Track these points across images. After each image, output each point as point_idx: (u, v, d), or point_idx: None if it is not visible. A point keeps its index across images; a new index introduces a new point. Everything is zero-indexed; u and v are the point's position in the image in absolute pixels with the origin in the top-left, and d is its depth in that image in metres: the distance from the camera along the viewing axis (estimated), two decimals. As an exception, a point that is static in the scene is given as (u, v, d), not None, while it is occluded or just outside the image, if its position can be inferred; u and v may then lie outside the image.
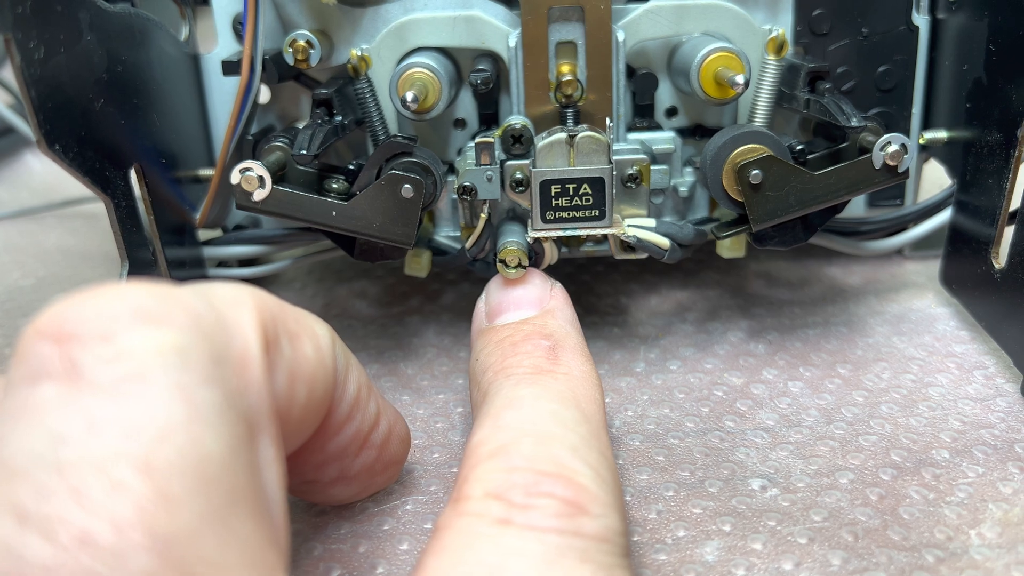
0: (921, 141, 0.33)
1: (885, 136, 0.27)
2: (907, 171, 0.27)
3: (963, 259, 0.32)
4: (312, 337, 0.20)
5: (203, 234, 0.33)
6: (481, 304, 0.27)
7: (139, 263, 0.28)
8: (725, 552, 0.23)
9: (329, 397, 0.21)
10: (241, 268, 0.34)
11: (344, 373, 0.21)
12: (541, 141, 0.28)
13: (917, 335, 0.32)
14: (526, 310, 0.26)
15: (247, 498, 0.15)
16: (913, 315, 0.33)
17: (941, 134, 0.33)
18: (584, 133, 0.28)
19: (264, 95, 0.33)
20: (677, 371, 0.31)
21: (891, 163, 0.27)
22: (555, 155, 0.28)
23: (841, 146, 0.29)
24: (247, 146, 0.31)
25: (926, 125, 0.34)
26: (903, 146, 0.27)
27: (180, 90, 0.32)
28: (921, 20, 0.32)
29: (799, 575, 0.22)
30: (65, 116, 0.24)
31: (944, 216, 0.33)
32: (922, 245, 0.36)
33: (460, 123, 0.33)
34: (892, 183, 0.28)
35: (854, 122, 0.27)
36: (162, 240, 0.30)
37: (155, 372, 0.15)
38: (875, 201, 0.34)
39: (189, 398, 0.15)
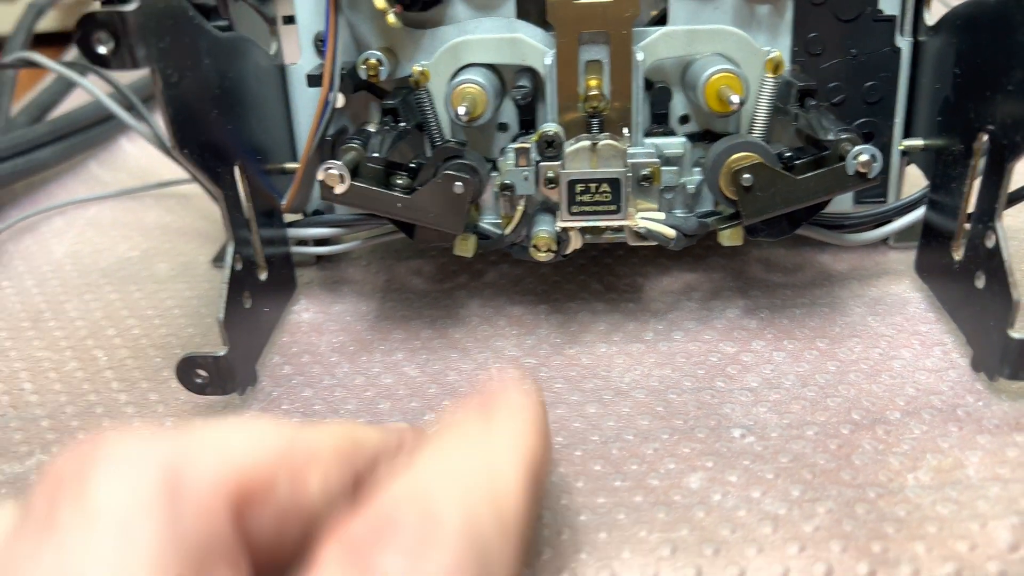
0: (901, 147, 0.38)
1: (858, 147, 0.32)
2: (877, 177, 0.33)
3: (933, 251, 0.37)
4: (323, 467, 0.21)
5: (287, 217, 0.40)
6: None
7: (240, 241, 0.34)
8: (706, 482, 0.29)
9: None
10: (317, 247, 0.41)
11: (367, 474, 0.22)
12: (569, 147, 0.34)
13: (890, 316, 0.37)
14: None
15: None
16: (889, 298, 0.38)
17: (918, 142, 0.38)
18: (604, 141, 0.34)
19: (340, 101, 0.39)
20: (680, 340, 0.37)
21: (862, 170, 0.32)
22: (580, 159, 0.34)
23: (824, 154, 0.34)
24: (326, 146, 0.38)
25: (907, 133, 0.39)
26: (872, 156, 0.32)
27: (270, 96, 0.38)
28: (904, 42, 0.37)
29: (764, 500, 0.28)
30: (191, 127, 0.30)
31: (919, 213, 0.38)
32: (906, 237, 0.41)
33: (503, 127, 0.39)
34: (863, 187, 0.33)
35: (830, 136, 0.32)
36: (256, 222, 0.36)
37: (106, 517, 0.17)
38: (861, 198, 0.39)
39: (129, 541, 0.17)
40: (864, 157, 0.32)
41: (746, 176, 0.33)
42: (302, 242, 0.41)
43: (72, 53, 0.69)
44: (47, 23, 0.73)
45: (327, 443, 0.21)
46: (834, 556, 0.26)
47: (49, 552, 0.17)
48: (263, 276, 0.37)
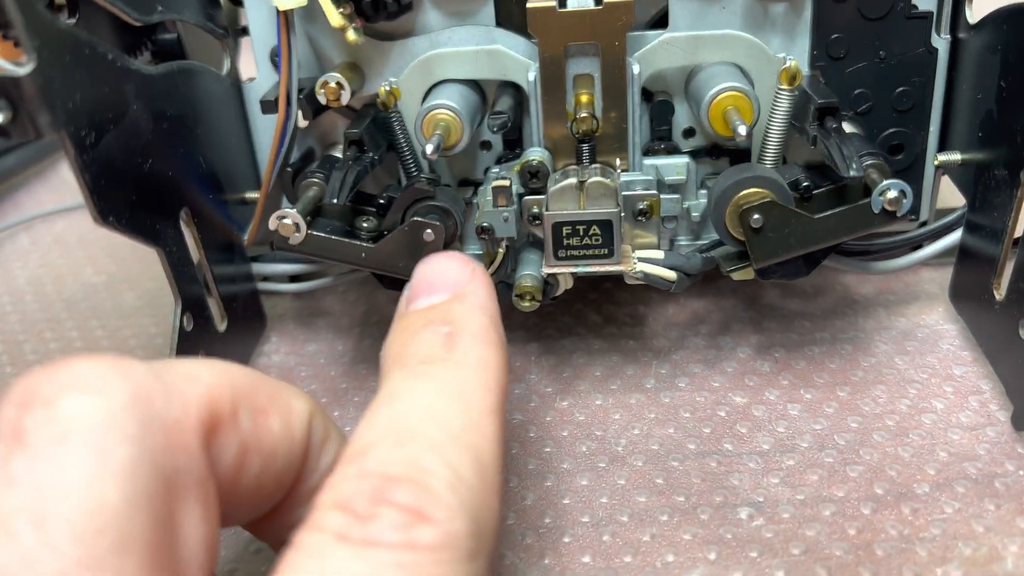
0: (936, 163, 0.34)
1: (885, 182, 0.28)
2: (906, 214, 0.28)
3: (970, 279, 0.33)
4: (284, 413, 0.22)
5: (253, 250, 0.36)
6: (406, 289, 0.27)
7: (190, 296, 0.31)
8: (708, 580, 0.26)
9: (295, 467, 0.22)
10: (290, 283, 0.37)
11: (320, 446, 0.23)
12: (553, 185, 0.30)
13: (920, 355, 0.33)
14: (438, 295, 0.26)
15: (141, 545, 0.17)
16: (920, 332, 0.34)
17: (955, 156, 0.33)
18: (593, 179, 0.30)
19: (302, 122, 0.35)
20: (685, 388, 0.33)
21: (889, 208, 0.28)
22: (566, 198, 0.30)
23: (846, 182, 0.30)
24: (287, 176, 0.34)
25: (943, 144, 0.34)
26: (902, 192, 0.28)
27: (225, 120, 0.35)
28: (941, 42, 0.32)
29: (772, 607, 0.25)
30: (117, 188, 0.27)
31: (955, 237, 0.33)
32: (942, 254, 0.37)
33: (486, 145, 0.35)
34: (890, 225, 0.29)
35: (852, 172, 0.28)
36: (210, 259, 0.33)
37: (77, 433, 0.17)
38: (889, 217, 0.35)
39: (101, 456, 0.17)
40: (892, 194, 0.28)
41: (756, 217, 0.29)
42: (267, 278, 0.38)
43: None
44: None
45: (289, 389, 0.23)
46: None
47: (20, 464, 0.17)
48: (222, 327, 0.33)
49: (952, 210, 0.34)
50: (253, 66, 0.35)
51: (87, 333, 0.39)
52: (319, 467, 0.23)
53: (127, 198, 0.27)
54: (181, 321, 0.30)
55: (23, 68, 0.23)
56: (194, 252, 0.32)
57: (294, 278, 0.38)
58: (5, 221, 0.48)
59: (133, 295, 0.41)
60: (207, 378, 0.20)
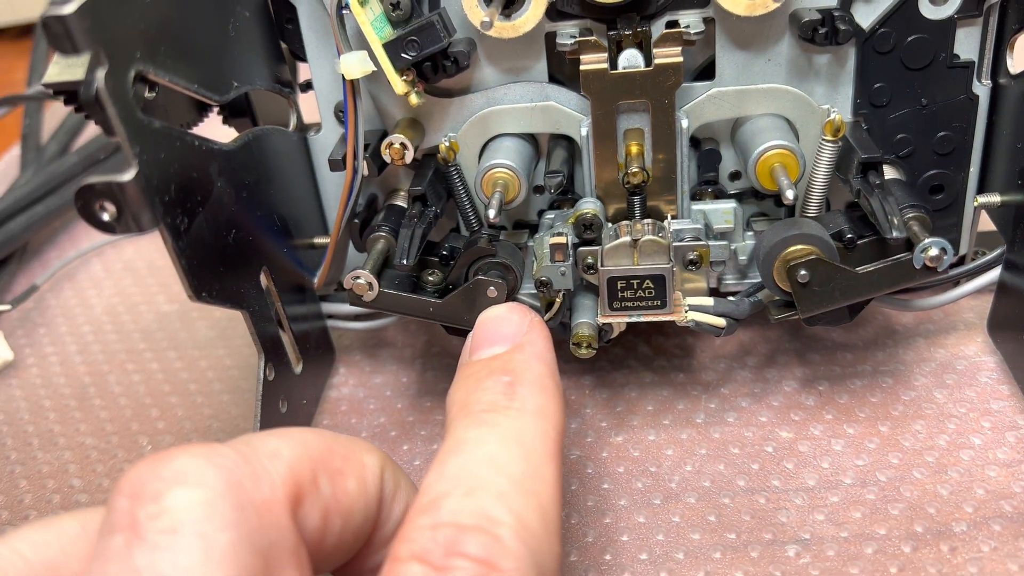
0: (976, 204, 0.35)
1: (927, 240, 0.30)
2: (947, 269, 0.30)
3: (1007, 314, 0.34)
4: (358, 471, 0.24)
5: (320, 290, 0.39)
6: (469, 339, 0.29)
7: (271, 345, 0.33)
8: (759, 617, 0.28)
9: (371, 519, 0.24)
10: (355, 322, 0.40)
11: (392, 495, 0.25)
12: (608, 241, 0.32)
13: (959, 388, 0.35)
14: (499, 346, 0.28)
15: None
16: (958, 364, 0.36)
17: (995, 198, 0.34)
18: (646, 238, 0.31)
19: (366, 172, 0.37)
20: (733, 423, 0.35)
21: (931, 265, 0.30)
22: (620, 255, 0.32)
23: (892, 244, 0.31)
24: (355, 226, 0.36)
25: (983, 185, 0.35)
26: (943, 250, 0.29)
27: (294, 172, 0.37)
28: (982, 89, 0.33)
29: (819, 644, 0.27)
30: (207, 266, 0.29)
31: (994, 274, 0.35)
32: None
33: (539, 189, 0.36)
34: (931, 280, 0.30)
35: (894, 233, 0.29)
36: (284, 300, 0.35)
37: (184, 524, 0.19)
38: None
39: (207, 543, 0.19)
40: (933, 252, 0.29)
41: (803, 272, 0.31)
42: (332, 316, 0.40)
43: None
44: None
45: (360, 446, 0.24)
46: None
47: (141, 556, 0.19)
48: (298, 369, 0.36)
49: (990, 235, 0.36)
50: (315, 112, 0.37)
51: (166, 365, 0.42)
52: (392, 515, 0.25)
53: (216, 271, 0.29)
54: (264, 373, 0.32)
55: (126, 174, 0.25)
56: (272, 303, 0.34)
57: (359, 316, 0.40)
58: (78, 249, 0.50)
59: (206, 325, 0.44)
60: (288, 453, 0.22)
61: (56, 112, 0.60)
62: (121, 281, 0.48)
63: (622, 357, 0.39)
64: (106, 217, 0.25)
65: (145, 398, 0.40)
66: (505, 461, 0.23)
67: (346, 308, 0.39)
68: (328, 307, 0.39)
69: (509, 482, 0.22)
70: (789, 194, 0.30)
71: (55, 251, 0.51)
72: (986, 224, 0.36)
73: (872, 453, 0.33)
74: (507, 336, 0.29)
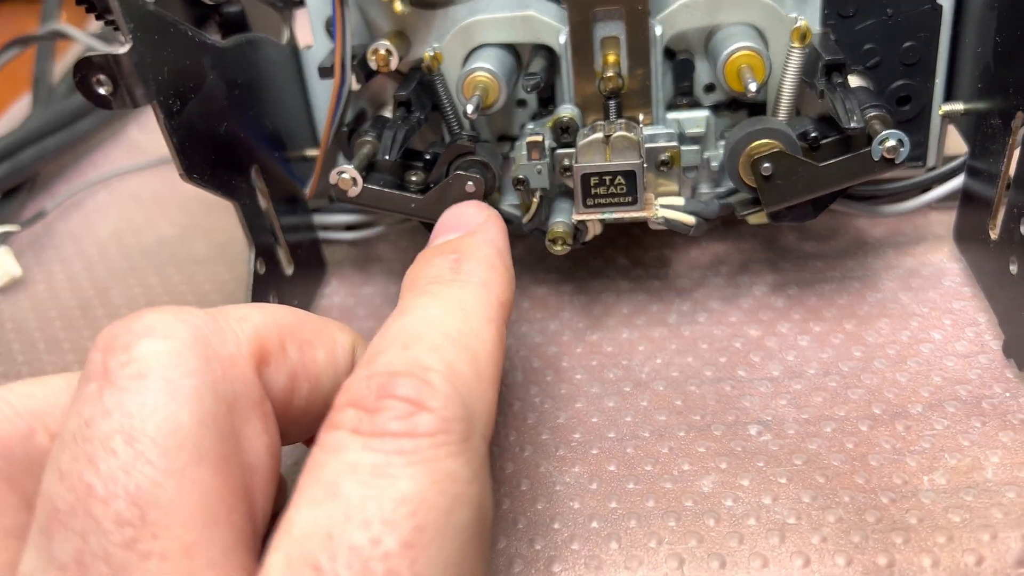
0: (940, 112, 0.36)
1: (884, 132, 0.31)
2: (903, 162, 0.31)
3: (971, 220, 0.35)
4: (328, 344, 0.25)
5: (312, 203, 0.40)
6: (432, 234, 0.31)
7: (262, 243, 0.35)
8: (719, 486, 0.30)
9: None
10: (347, 232, 0.41)
11: None
12: (581, 139, 0.33)
13: (923, 291, 0.36)
14: (454, 234, 0.30)
15: (213, 456, 0.20)
16: (925, 270, 0.37)
17: (959, 106, 0.36)
18: (618, 133, 0.33)
19: (355, 86, 0.38)
20: (704, 323, 0.36)
21: (888, 156, 0.31)
22: (593, 152, 0.33)
23: (849, 133, 0.32)
24: (343, 135, 0.38)
25: (949, 95, 0.36)
26: (899, 141, 0.31)
27: (286, 86, 0.38)
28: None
29: (774, 508, 0.29)
30: (199, 149, 0.31)
31: (958, 181, 0.36)
32: (950, 198, 0.39)
33: (521, 103, 0.38)
34: (889, 172, 0.31)
35: (852, 124, 0.31)
36: (276, 211, 0.37)
37: (151, 370, 0.20)
38: (897, 164, 0.38)
39: (172, 386, 0.20)
40: (890, 143, 0.31)
41: (766, 165, 0.32)
42: (327, 227, 0.42)
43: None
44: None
45: (332, 324, 0.26)
46: (838, 572, 0.26)
47: (111, 397, 0.20)
48: (289, 271, 0.37)
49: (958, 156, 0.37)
50: (309, 34, 0.39)
51: (166, 280, 0.44)
52: None
53: (207, 157, 0.31)
54: (255, 265, 0.34)
55: (122, 48, 0.26)
56: (263, 204, 0.36)
57: (350, 227, 0.41)
58: (86, 180, 0.52)
59: (205, 245, 0.46)
60: (256, 318, 0.24)
61: (67, 56, 0.62)
62: (126, 209, 0.50)
63: (601, 268, 0.40)
64: (103, 91, 0.27)
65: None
66: (443, 321, 0.24)
67: (337, 219, 0.41)
68: (320, 218, 0.41)
69: (444, 337, 0.23)
70: (752, 86, 0.32)
71: (64, 183, 0.53)
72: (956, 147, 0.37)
73: (836, 347, 0.34)
74: (462, 226, 0.30)
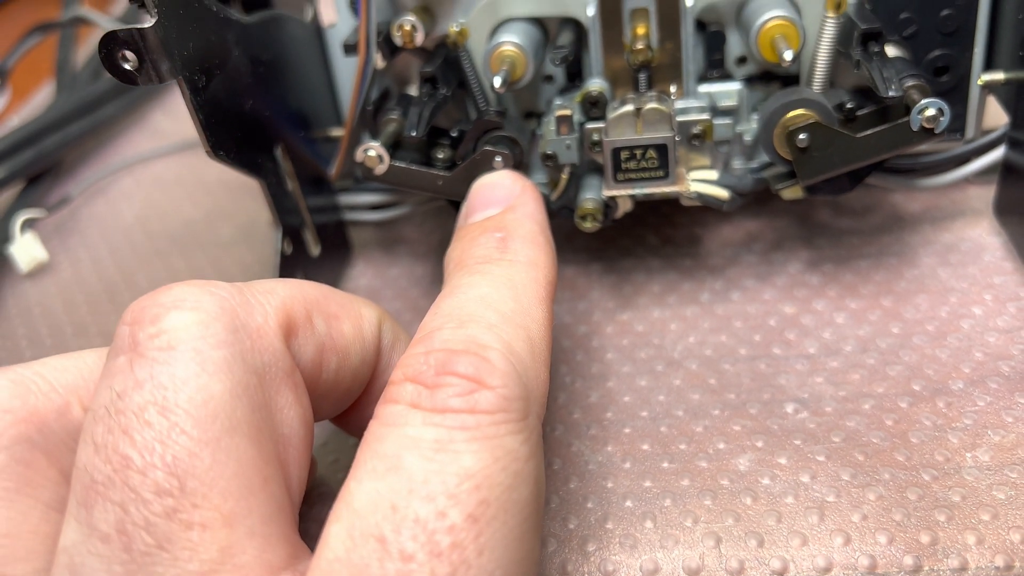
0: (980, 82, 0.35)
1: (923, 101, 0.30)
2: (946, 131, 0.30)
3: (1012, 194, 0.34)
4: (354, 318, 0.25)
5: (337, 184, 0.40)
6: (463, 205, 0.31)
7: (289, 223, 0.35)
8: (755, 464, 0.29)
9: (369, 365, 0.26)
10: (372, 212, 0.41)
11: (391, 347, 0.27)
12: (612, 112, 0.32)
13: (962, 266, 0.35)
14: (493, 209, 0.30)
15: (246, 426, 0.20)
16: (963, 245, 0.36)
17: (999, 76, 0.35)
18: (649, 106, 0.32)
19: (380, 64, 0.38)
20: (738, 301, 0.36)
21: (927, 126, 0.30)
22: (624, 125, 0.32)
23: (889, 104, 0.32)
24: (368, 114, 0.37)
25: (988, 64, 0.35)
26: (939, 110, 0.30)
27: (309, 64, 0.38)
28: (985, -36, 0.34)
29: (813, 486, 0.28)
30: (224, 126, 0.30)
31: (998, 153, 0.35)
32: (988, 171, 0.38)
33: (549, 79, 0.37)
34: (929, 142, 0.31)
35: (891, 93, 0.30)
36: (303, 191, 0.36)
37: (180, 341, 0.20)
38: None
39: (202, 356, 0.20)
40: (930, 112, 0.30)
41: (801, 137, 0.31)
42: (353, 208, 0.41)
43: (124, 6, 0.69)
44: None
45: (359, 300, 0.26)
46: (880, 549, 0.26)
47: (142, 369, 0.20)
48: (316, 251, 0.37)
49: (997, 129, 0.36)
50: (332, 11, 0.38)
51: (192, 262, 0.43)
52: (391, 365, 0.27)
53: (233, 134, 0.31)
54: (283, 245, 0.34)
55: (147, 21, 0.26)
56: (289, 184, 0.35)
57: (375, 207, 0.41)
58: (110, 165, 0.52)
59: (230, 228, 0.46)
60: (282, 291, 0.24)
61: (90, 43, 0.62)
62: (151, 194, 0.50)
63: (631, 247, 0.39)
64: (128, 66, 0.27)
65: (172, 291, 0.42)
66: (495, 299, 0.24)
67: (362, 199, 0.40)
68: (345, 198, 0.40)
69: (499, 316, 0.23)
70: (787, 55, 0.31)
71: (88, 169, 0.53)
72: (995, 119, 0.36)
73: (874, 324, 0.33)
74: (500, 199, 0.30)
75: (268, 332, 0.22)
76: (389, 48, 0.36)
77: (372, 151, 0.33)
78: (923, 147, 0.37)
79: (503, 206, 0.30)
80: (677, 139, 0.32)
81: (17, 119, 0.59)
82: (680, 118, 0.33)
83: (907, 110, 0.31)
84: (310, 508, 0.29)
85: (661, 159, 0.32)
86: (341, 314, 0.25)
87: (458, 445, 0.19)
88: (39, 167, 0.50)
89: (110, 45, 0.26)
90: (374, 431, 0.21)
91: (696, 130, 0.33)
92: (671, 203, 0.41)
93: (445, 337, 0.22)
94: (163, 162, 0.53)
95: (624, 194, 0.33)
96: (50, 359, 0.24)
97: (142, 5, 0.26)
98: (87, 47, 0.62)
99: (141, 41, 0.26)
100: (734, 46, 0.36)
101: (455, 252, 0.28)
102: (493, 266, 0.26)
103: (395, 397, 0.21)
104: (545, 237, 0.28)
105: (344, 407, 0.27)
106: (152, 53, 0.26)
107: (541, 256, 0.27)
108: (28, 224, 0.46)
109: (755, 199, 0.40)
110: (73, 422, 0.23)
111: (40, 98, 0.62)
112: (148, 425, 0.19)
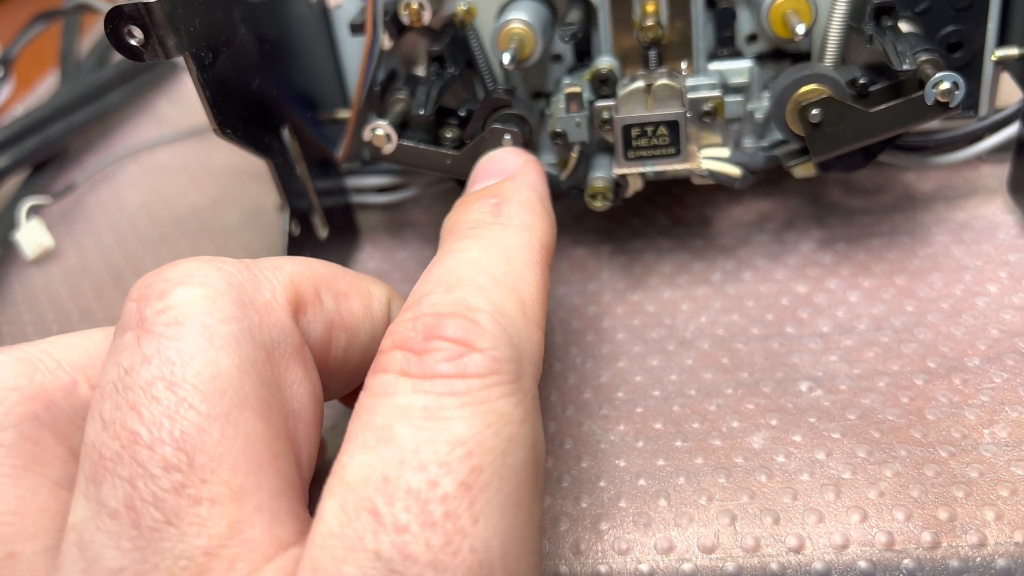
0: (993, 58, 0.35)
1: (937, 75, 0.30)
2: (959, 106, 0.30)
3: (1028, 171, 0.34)
4: (363, 296, 0.25)
5: (344, 166, 0.40)
6: (468, 180, 0.31)
7: (296, 204, 0.34)
8: (770, 442, 0.29)
9: (378, 343, 0.25)
10: (379, 195, 0.40)
11: None
12: (622, 89, 0.32)
13: (976, 244, 0.35)
14: (492, 179, 0.29)
15: (255, 401, 0.20)
16: (977, 223, 0.36)
17: (1013, 51, 0.34)
18: (660, 82, 0.32)
19: (387, 44, 0.37)
20: (749, 280, 0.35)
21: (942, 100, 0.30)
22: (634, 102, 0.32)
23: (903, 78, 0.31)
24: (375, 95, 0.37)
25: (1002, 40, 0.35)
26: (954, 83, 0.30)
27: (315, 45, 0.37)
28: (999, -63, 0.33)
29: (828, 463, 0.28)
30: (231, 105, 0.30)
31: (1013, 130, 0.35)
32: (1002, 149, 0.38)
33: (557, 58, 0.37)
34: (943, 117, 0.30)
35: (905, 66, 0.29)
36: (310, 173, 0.36)
37: (188, 317, 0.20)
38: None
39: (210, 332, 0.20)
40: (945, 85, 0.29)
41: (814, 112, 0.31)
42: (361, 190, 0.41)
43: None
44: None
45: (367, 278, 0.26)
46: (897, 526, 0.25)
47: (149, 345, 0.20)
48: (324, 234, 0.37)
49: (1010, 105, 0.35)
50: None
51: (198, 247, 0.43)
52: None
53: (240, 113, 0.30)
54: (290, 227, 0.33)
55: (153, -4, 0.26)
56: (297, 165, 0.35)
57: (382, 189, 0.41)
58: (115, 152, 0.52)
59: (236, 214, 0.45)
60: (290, 268, 0.24)
61: (93, 31, 0.62)
62: (156, 181, 0.50)
63: (640, 227, 0.39)
64: (134, 42, 0.26)
65: (178, 276, 0.41)
66: (486, 263, 0.24)
67: (369, 181, 0.40)
68: (352, 181, 0.40)
69: (489, 279, 0.23)
70: (799, 28, 0.31)
71: (93, 156, 0.53)
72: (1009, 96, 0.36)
73: (887, 302, 0.33)
74: (502, 171, 0.30)
75: (276, 308, 0.22)
76: (396, 27, 0.35)
77: (380, 130, 0.33)
78: (936, 124, 0.37)
79: (502, 177, 0.29)
80: (688, 115, 0.32)
81: (22, 108, 0.58)
82: (691, 95, 0.33)
83: (921, 84, 0.30)
84: (319, 489, 0.28)
85: (672, 136, 0.32)
86: (350, 292, 0.25)
87: (448, 412, 0.19)
88: (44, 154, 0.50)
89: (116, 21, 0.26)
90: (364, 403, 0.20)
91: (707, 107, 0.33)
92: (681, 183, 0.41)
93: (434, 301, 0.22)
94: (168, 149, 0.52)
95: (635, 172, 0.33)
96: (57, 338, 0.24)
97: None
98: (91, 35, 0.62)
99: (147, 16, 0.26)
100: (744, 23, 0.36)
101: (450, 219, 0.28)
102: (485, 230, 0.26)
103: (384, 366, 0.21)
104: (543, 204, 0.28)
105: (353, 386, 0.27)
106: (158, 28, 0.26)
107: (536, 220, 0.27)
108: (34, 211, 0.46)
109: (766, 179, 0.40)
110: (81, 400, 0.23)
111: (45, 87, 0.61)
112: (156, 400, 0.19)
